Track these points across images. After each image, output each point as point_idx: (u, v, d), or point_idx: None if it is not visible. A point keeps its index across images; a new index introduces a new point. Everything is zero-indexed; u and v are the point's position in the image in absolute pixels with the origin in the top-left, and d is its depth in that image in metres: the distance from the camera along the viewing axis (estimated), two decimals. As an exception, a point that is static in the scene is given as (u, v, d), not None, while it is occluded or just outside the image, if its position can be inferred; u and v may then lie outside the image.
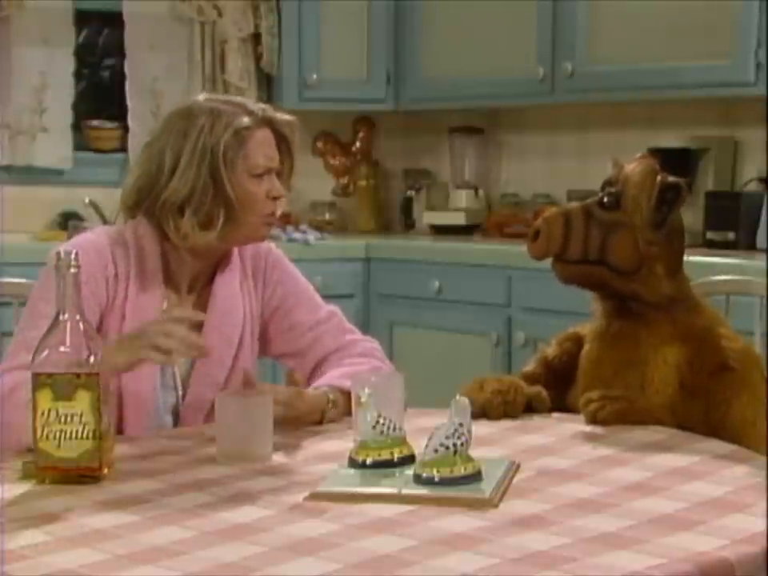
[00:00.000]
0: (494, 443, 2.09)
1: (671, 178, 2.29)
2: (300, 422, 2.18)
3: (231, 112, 2.29)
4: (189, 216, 2.26)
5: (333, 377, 2.28)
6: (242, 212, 2.28)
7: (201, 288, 2.38)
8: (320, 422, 2.21)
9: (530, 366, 2.41)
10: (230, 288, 2.37)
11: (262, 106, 2.37)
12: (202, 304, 2.36)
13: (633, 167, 2.31)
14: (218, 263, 2.38)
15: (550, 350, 2.41)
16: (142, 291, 2.29)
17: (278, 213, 2.36)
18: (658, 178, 2.28)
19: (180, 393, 2.35)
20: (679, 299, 2.29)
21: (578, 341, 2.38)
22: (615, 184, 2.30)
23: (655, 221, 2.26)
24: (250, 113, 2.31)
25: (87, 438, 1.83)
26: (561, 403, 2.34)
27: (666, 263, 2.27)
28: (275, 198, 2.33)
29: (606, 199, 2.28)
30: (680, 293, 2.30)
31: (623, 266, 2.25)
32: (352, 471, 1.88)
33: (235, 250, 2.40)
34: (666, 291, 2.27)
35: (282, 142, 2.37)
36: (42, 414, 1.83)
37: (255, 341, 2.42)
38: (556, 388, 2.36)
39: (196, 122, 2.26)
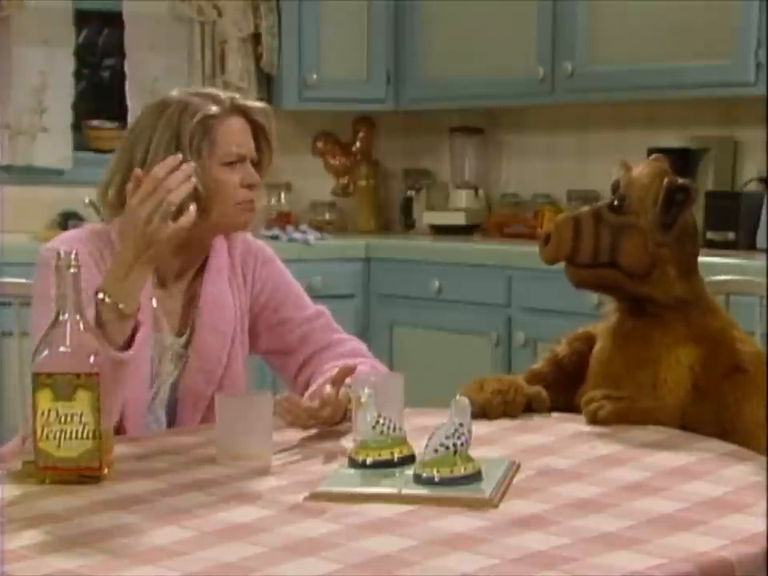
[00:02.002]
0: (493, 443, 2.09)
1: (680, 180, 2.28)
2: (333, 421, 2.16)
3: (199, 102, 2.30)
4: None
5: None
6: (213, 201, 2.27)
7: (188, 284, 2.37)
8: (339, 422, 2.19)
9: (539, 365, 2.40)
10: (219, 284, 2.37)
11: (232, 95, 2.37)
12: (191, 300, 2.36)
13: (640, 169, 2.31)
14: (204, 259, 2.37)
15: (560, 349, 2.41)
16: None
17: (258, 203, 2.34)
18: (666, 180, 2.27)
19: (170, 386, 2.34)
20: (693, 300, 2.29)
21: (588, 341, 2.38)
22: (623, 187, 2.30)
23: (663, 223, 2.26)
24: (219, 101, 2.31)
25: (87, 438, 1.83)
26: (570, 403, 2.33)
27: (677, 265, 2.28)
28: (250, 186, 2.31)
29: (615, 202, 2.29)
30: (693, 294, 2.30)
31: (633, 268, 2.25)
32: (352, 471, 1.88)
33: (224, 247, 2.39)
34: (678, 293, 2.27)
35: (259, 131, 2.36)
36: (42, 414, 1.83)
37: (245, 336, 2.42)
38: (565, 388, 2.35)
39: (164, 114, 2.28)
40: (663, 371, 2.23)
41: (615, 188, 2.33)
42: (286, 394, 2.14)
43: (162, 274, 2.34)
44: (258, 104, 2.39)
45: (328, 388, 2.15)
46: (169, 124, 2.27)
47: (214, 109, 2.29)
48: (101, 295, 2.09)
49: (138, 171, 2.13)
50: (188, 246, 2.32)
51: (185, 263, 2.36)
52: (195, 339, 2.35)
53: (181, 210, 2.18)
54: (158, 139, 2.26)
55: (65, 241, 2.27)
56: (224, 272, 2.38)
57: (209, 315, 2.35)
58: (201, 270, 2.38)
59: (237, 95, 2.38)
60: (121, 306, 2.08)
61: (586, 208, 2.34)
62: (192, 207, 2.15)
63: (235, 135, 2.30)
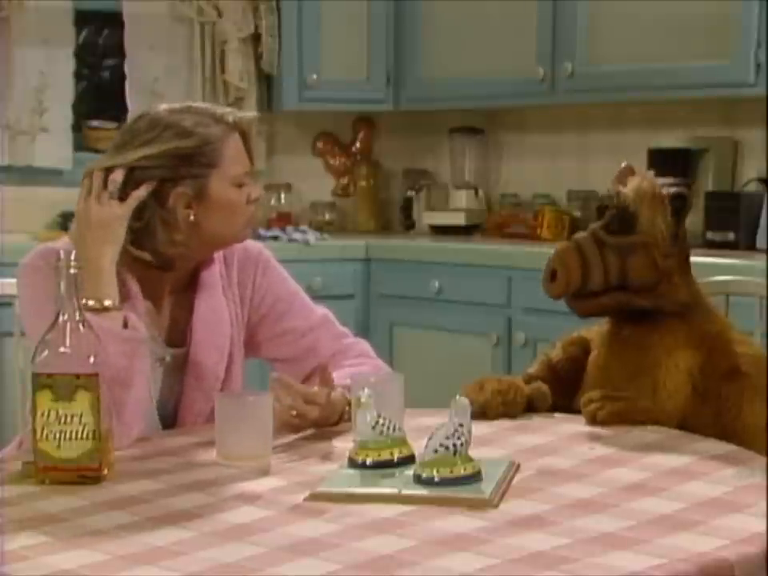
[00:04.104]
0: (493, 443, 2.09)
1: (674, 189, 2.28)
2: (324, 423, 2.16)
3: (199, 123, 2.21)
4: (163, 240, 2.22)
5: (339, 377, 2.27)
6: (220, 220, 2.23)
7: (180, 293, 2.31)
8: (336, 424, 2.19)
9: (532, 368, 2.40)
10: (214, 298, 2.32)
11: (225, 110, 2.28)
12: (184, 311, 2.31)
13: (637, 186, 2.28)
14: (196, 270, 2.32)
15: (554, 353, 2.40)
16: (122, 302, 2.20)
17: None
18: (669, 191, 2.27)
19: (156, 402, 2.29)
20: (693, 304, 2.29)
21: (583, 345, 2.38)
22: (619, 207, 2.27)
23: (674, 233, 2.26)
24: (219, 120, 2.23)
25: (87, 438, 1.83)
26: (564, 408, 2.33)
27: (681, 272, 2.28)
28: (253, 201, 2.28)
29: (614, 225, 2.26)
30: (694, 297, 2.30)
31: (645, 285, 2.24)
32: (352, 471, 1.88)
33: (218, 256, 2.35)
34: (684, 299, 2.27)
35: (247, 140, 2.28)
36: (42, 414, 1.83)
37: (242, 348, 2.38)
38: (559, 392, 2.35)
39: (161, 137, 2.19)
40: (662, 376, 2.23)
41: (603, 209, 2.30)
42: (277, 375, 2.15)
43: (152, 290, 2.28)
44: (250, 114, 2.32)
45: (315, 388, 2.15)
46: (168, 144, 2.18)
47: (216, 130, 2.21)
48: (83, 300, 2.04)
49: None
50: (184, 261, 2.28)
51: (179, 277, 2.30)
52: (191, 357, 2.30)
53: (148, 229, 2.20)
54: (159, 163, 2.18)
55: (44, 251, 2.20)
56: (218, 284, 2.33)
57: (203, 332, 2.30)
58: (194, 279, 2.33)
59: (228, 109, 2.29)
60: (106, 302, 2.10)
61: (581, 234, 2.30)
62: (147, 184, 2.16)
63: (240, 154, 2.25)
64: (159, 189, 2.20)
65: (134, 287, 2.23)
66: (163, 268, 2.27)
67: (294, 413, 2.12)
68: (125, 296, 2.19)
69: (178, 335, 2.32)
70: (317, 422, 2.15)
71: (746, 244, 4.07)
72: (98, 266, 2.13)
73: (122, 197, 2.17)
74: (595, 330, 2.38)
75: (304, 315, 2.43)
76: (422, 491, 1.76)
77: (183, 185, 2.20)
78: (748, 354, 2.27)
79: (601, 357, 2.32)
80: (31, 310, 2.18)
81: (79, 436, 1.83)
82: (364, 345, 2.46)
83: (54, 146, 4.82)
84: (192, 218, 2.21)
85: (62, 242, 2.30)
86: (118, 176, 2.17)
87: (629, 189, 2.28)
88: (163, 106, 2.27)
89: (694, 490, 1.80)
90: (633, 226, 2.25)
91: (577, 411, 2.29)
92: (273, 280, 2.42)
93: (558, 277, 2.25)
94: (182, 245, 2.23)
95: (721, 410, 2.22)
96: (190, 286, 2.33)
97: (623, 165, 2.34)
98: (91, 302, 2.09)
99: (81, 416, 1.83)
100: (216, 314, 2.32)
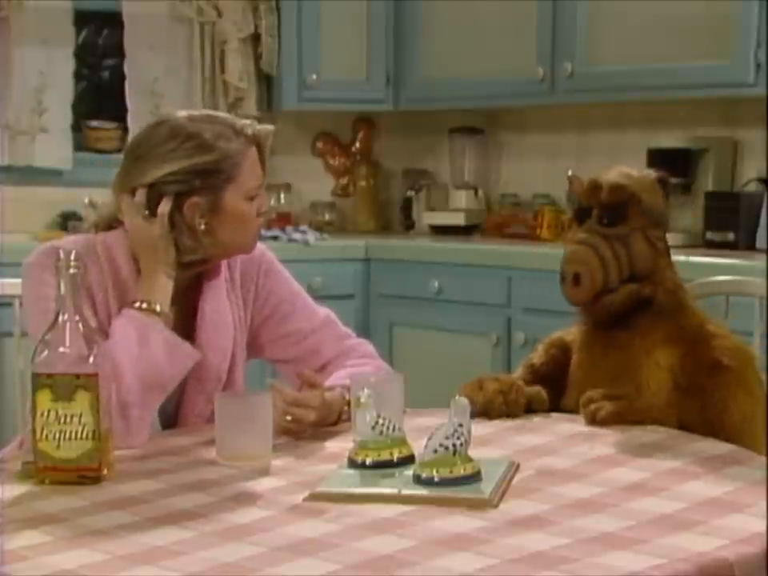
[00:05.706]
0: (493, 443, 2.09)
1: (653, 172, 2.29)
2: (322, 424, 2.17)
3: (219, 134, 2.21)
4: (188, 245, 2.24)
5: (339, 377, 2.28)
6: (231, 231, 2.24)
7: (182, 296, 2.30)
8: (335, 423, 2.20)
9: (518, 373, 2.41)
10: (218, 301, 2.32)
11: (245, 122, 2.28)
12: (188, 313, 2.31)
13: (611, 176, 2.28)
14: (200, 272, 2.33)
15: (537, 356, 2.41)
16: (123, 305, 2.23)
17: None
18: (658, 174, 2.29)
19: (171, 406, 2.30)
20: (677, 288, 2.29)
21: (563, 347, 2.38)
22: (611, 199, 2.26)
23: (664, 216, 2.27)
24: (238, 132, 2.23)
25: (87, 438, 1.83)
26: (550, 410, 2.33)
27: (666, 254, 2.29)
28: (264, 213, 2.30)
29: (607, 218, 2.26)
30: (677, 284, 2.30)
31: (646, 270, 2.24)
32: (351, 471, 1.88)
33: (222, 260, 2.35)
34: (670, 285, 2.27)
35: (262, 152, 2.29)
36: (42, 414, 1.83)
37: (244, 349, 2.39)
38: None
39: (181, 147, 2.20)
40: (645, 375, 2.23)
41: (582, 211, 2.29)
42: (272, 381, 2.17)
43: None
44: (269, 127, 2.32)
45: (307, 393, 2.16)
46: (189, 160, 2.19)
47: (236, 144, 2.22)
48: (137, 303, 2.18)
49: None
50: (190, 267, 2.29)
51: (183, 281, 2.30)
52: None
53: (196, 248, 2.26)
54: (175, 172, 2.19)
55: (48, 250, 2.20)
56: (222, 286, 2.34)
57: (208, 335, 2.30)
58: (198, 282, 2.33)
59: (247, 121, 2.29)
60: (156, 307, 2.18)
61: (582, 235, 2.27)
62: (167, 198, 2.19)
63: (256, 168, 2.26)
64: (177, 197, 2.21)
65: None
66: (194, 269, 2.30)
67: (290, 418, 2.13)
68: (129, 300, 2.21)
69: (182, 337, 2.32)
70: (316, 424, 2.15)
71: (745, 244, 4.07)
72: (152, 278, 2.21)
73: (151, 213, 2.21)
74: (574, 331, 2.38)
75: (307, 316, 2.43)
76: (421, 491, 1.76)
77: (199, 195, 2.21)
78: (728, 347, 2.26)
79: (584, 360, 2.32)
80: (35, 308, 2.19)
81: (79, 436, 1.83)
82: (367, 346, 2.47)
83: (53, 146, 4.81)
84: (203, 227, 2.22)
85: (65, 240, 2.31)
86: (140, 197, 2.21)
87: (613, 181, 2.27)
88: (182, 113, 2.26)
89: (694, 490, 1.80)
90: (626, 215, 2.25)
91: (563, 412, 2.30)
92: (275, 281, 2.42)
93: (583, 280, 2.22)
94: (202, 249, 2.25)
95: (706, 405, 2.22)
96: (194, 288, 2.33)
97: (569, 174, 2.35)
98: (144, 305, 2.18)
99: (80, 416, 1.83)
100: (221, 317, 2.32)
